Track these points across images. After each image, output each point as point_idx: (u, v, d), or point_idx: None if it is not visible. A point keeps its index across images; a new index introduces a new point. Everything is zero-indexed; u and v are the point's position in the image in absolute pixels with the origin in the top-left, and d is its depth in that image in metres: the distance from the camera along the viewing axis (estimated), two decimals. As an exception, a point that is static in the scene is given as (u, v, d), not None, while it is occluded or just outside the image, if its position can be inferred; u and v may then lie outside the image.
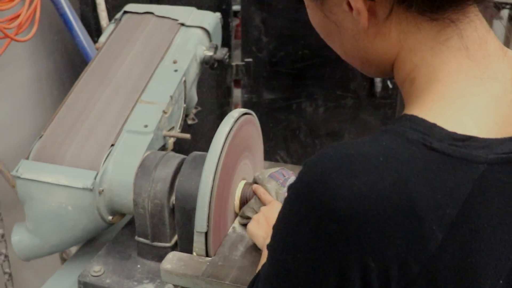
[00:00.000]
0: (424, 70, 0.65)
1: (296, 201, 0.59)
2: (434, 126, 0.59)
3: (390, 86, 2.29)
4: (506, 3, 3.05)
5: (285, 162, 2.45)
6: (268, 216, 1.11)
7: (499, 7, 3.07)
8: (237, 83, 2.35)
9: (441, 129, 0.59)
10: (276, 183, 1.22)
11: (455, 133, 0.58)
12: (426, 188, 0.56)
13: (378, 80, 2.23)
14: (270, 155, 2.41)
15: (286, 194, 1.12)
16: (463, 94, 0.61)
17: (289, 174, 1.27)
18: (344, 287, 0.57)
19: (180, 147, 1.51)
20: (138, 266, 1.30)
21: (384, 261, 0.56)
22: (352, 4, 0.64)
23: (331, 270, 0.57)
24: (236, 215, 1.27)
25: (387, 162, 0.56)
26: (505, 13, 3.19)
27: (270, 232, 0.98)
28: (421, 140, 0.58)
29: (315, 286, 0.58)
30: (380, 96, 2.29)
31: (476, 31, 0.64)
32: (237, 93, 2.38)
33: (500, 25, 3.28)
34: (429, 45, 0.64)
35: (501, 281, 0.62)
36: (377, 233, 0.55)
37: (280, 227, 0.62)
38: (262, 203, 1.19)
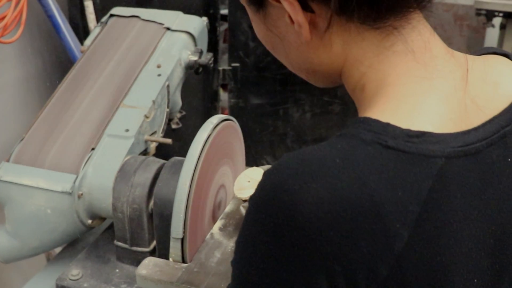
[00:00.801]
0: (373, 76, 0.65)
1: (256, 211, 0.59)
2: (387, 125, 0.59)
3: (377, 93, 2.29)
4: (499, 11, 3.07)
5: (271, 167, 2.45)
6: None
7: (491, 15, 3.09)
8: (225, 87, 2.36)
9: (395, 127, 0.58)
10: None
11: (409, 130, 0.58)
12: (385, 186, 0.55)
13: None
14: (256, 161, 2.42)
15: None
16: (414, 93, 0.62)
17: None
18: None
19: (165, 152, 1.52)
20: (117, 270, 1.30)
21: (350, 264, 0.55)
22: (293, 17, 0.64)
23: (296, 278, 0.56)
24: (214, 221, 1.27)
25: (343, 163, 0.56)
26: (497, 21, 3.20)
27: None
28: (375, 140, 0.57)
29: None
30: (367, 102, 2.29)
31: (420, 36, 0.65)
32: (225, 97, 2.39)
33: (492, 33, 3.30)
34: (374, 52, 0.65)
35: (475, 280, 0.61)
36: (339, 236, 0.54)
37: (242, 240, 0.61)
38: None
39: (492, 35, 3.53)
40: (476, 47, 0.73)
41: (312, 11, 0.64)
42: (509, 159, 0.64)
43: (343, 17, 0.63)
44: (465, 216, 0.60)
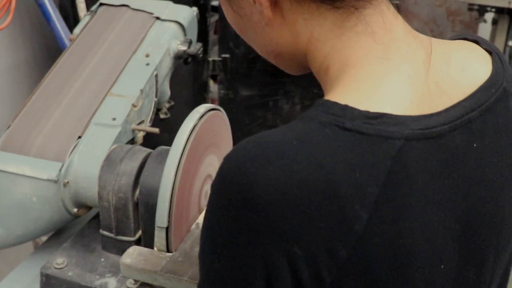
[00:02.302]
0: (336, 57, 0.65)
1: (215, 197, 0.59)
2: (346, 107, 0.58)
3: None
4: (491, 6, 3.07)
5: (261, 159, 2.44)
6: None
7: (483, 10, 3.09)
8: (215, 78, 2.35)
9: (353, 109, 0.58)
10: None
11: (368, 112, 0.58)
12: (342, 167, 0.55)
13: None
14: (246, 152, 2.41)
15: None
16: (375, 75, 0.62)
17: None
18: (272, 278, 0.56)
19: (153, 141, 1.51)
20: (102, 259, 1.29)
21: (309, 246, 0.55)
22: None
23: (257, 262, 0.56)
24: (200, 211, 1.27)
25: (300, 146, 0.56)
26: (489, 16, 3.21)
27: None
28: (333, 122, 0.57)
29: (244, 282, 0.57)
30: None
31: (382, 17, 0.64)
32: (215, 88, 2.38)
33: (485, 28, 3.31)
34: (336, 33, 0.64)
35: (442, 266, 0.61)
36: (298, 217, 0.54)
37: (204, 228, 0.61)
38: None
39: (484, 31, 3.54)
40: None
41: None
42: (475, 145, 0.63)
43: None
44: (427, 200, 0.59)
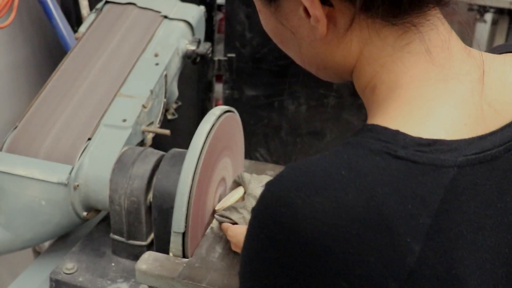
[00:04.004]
0: (385, 77, 0.62)
1: (257, 225, 0.56)
2: (397, 133, 0.55)
3: (374, 86, 2.27)
4: (490, 7, 3.06)
5: (266, 160, 2.42)
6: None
7: (482, 10, 3.08)
8: (219, 78, 2.32)
9: (405, 136, 0.55)
10: None
11: (420, 138, 0.55)
12: (394, 198, 0.52)
13: (361, 80, 2.21)
14: (250, 153, 2.39)
15: None
16: (427, 98, 0.58)
17: None
18: None
19: (158, 142, 1.48)
20: (112, 264, 1.27)
21: (357, 281, 0.52)
22: (310, 11, 0.61)
23: None
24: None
25: (349, 175, 0.53)
26: (488, 16, 3.20)
27: None
28: (384, 149, 0.54)
29: None
30: (363, 96, 2.27)
31: (438, 34, 0.62)
32: (219, 88, 2.35)
33: (484, 28, 3.30)
34: (389, 52, 0.62)
35: None
36: (346, 252, 0.51)
37: (245, 253, 0.58)
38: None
39: (481, 31, 3.53)
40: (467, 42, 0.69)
41: (331, 5, 0.61)
42: None
43: (363, 12, 0.60)
44: (479, 226, 0.56)
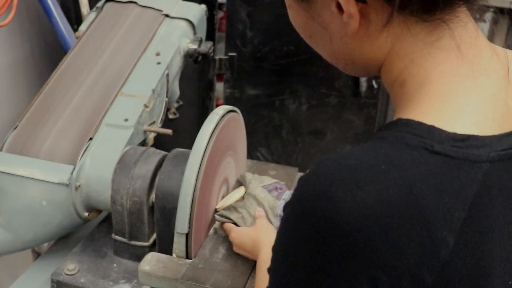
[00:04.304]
0: (414, 72, 0.63)
1: (297, 219, 0.56)
2: (432, 128, 0.57)
3: (375, 86, 2.26)
4: (490, 6, 3.06)
5: (266, 159, 2.41)
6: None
7: (483, 10, 3.08)
8: (220, 77, 2.31)
9: (441, 131, 0.57)
10: (269, 195, 1.16)
11: (455, 134, 0.57)
12: (432, 192, 0.54)
13: (363, 80, 2.21)
14: (250, 152, 2.38)
15: (282, 206, 1.08)
16: (457, 93, 0.60)
17: (282, 189, 1.20)
18: None
19: (159, 141, 1.47)
20: (114, 265, 1.25)
21: (395, 273, 0.53)
22: (344, 7, 0.61)
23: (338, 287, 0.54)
24: (218, 215, 1.23)
25: (389, 169, 0.54)
26: (488, 16, 3.19)
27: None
28: (421, 144, 0.56)
29: None
30: (365, 95, 2.26)
31: (467, 31, 0.62)
32: (219, 87, 2.34)
33: (484, 28, 3.29)
34: (419, 47, 0.62)
35: (510, 282, 0.60)
36: (386, 245, 0.52)
37: (281, 248, 0.59)
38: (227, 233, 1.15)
39: (482, 31, 3.51)
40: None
41: (364, 1, 0.61)
42: None
43: (398, 9, 0.61)
44: (506, 220, 0.59)
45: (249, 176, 1.21)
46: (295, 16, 0.70)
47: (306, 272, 0.55)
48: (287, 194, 1.14)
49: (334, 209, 0.53)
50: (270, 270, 0.61)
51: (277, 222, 1.11)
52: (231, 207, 1.17)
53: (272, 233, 1.07)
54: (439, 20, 0.61)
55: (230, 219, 1.14)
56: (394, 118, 0.63)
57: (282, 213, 1.06)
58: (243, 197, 1.19)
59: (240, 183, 1.24)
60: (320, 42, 0.70)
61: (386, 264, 0.53)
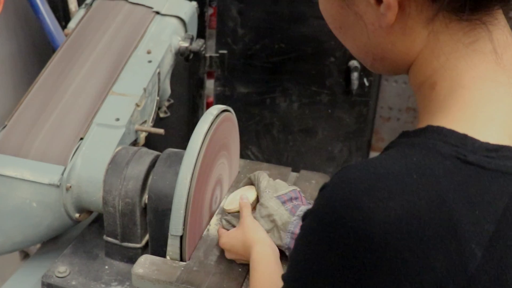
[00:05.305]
0: (447, 74, 0.61)
1: (322, 228, 0.54)
2: (465, 137, 0.55)
3: (367, 84, 2.25)
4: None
5: (257, 158, 2.39)
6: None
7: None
8: (210, 74, 2.29)
9: (474, 140, 0.55)
10: (283, 207, 1.10)
11: (488, 144, 0.55)
12: (464, 204, 0.52)
13: (354, 78, 2.19)
14: (241, 150, 2.34)
15: (295, 223, 1.04)
16: (490, 101, 0.58)
17: (297, 198, 1.13)
18: None
19: (148, 140, 1.45)
20: (106, 267, 1.23)
21: (421, 285, 0.52)
22: None
23: None
24: (211, 216, 1.22)
25: (421, 179, 0.52)
26: None
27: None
28: (454, 153, 0.54)
29: None
30: (356, 93, 2.25)
31: (504, 34, 0.61)
32: (210, 85, 2.31)
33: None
34: (454, 47, 0.60)
35: None
36: (415, 257, 0.51)
37: (303, 257, 0.57)
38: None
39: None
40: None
41: None
42: None
43: (437, 4, 0.59)
44: None
45: (264, 181, 1.15)
46: (327, 5, 0.67)
47: (329, 282, 0.54)
48: (302, 210, 1.08)
49: (365, 220, 0.51)
50: (286, 279, 0.59)
51: (287, 239, 1.06)
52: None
53: (259, 230, 1.05)
54: (477, 21, 0.59)
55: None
56: (421, 122, 0.61)
57: (295, 231, 1.04)
58: (254, 202, 1.15)
59: (251, 181, 1.20)
60: (350, 34, 0.67)
61: (413, 276, 0.51)
